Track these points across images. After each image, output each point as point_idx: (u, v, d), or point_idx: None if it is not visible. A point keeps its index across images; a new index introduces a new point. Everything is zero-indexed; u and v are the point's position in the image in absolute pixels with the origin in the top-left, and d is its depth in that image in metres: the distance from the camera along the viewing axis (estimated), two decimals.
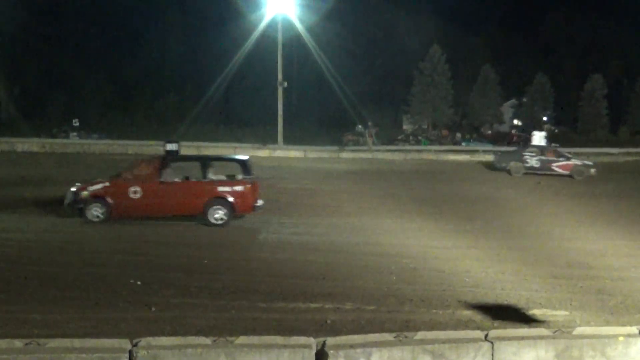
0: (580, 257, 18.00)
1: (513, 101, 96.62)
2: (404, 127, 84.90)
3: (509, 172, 38.99)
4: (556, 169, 38.85)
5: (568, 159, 39.62)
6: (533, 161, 39.39)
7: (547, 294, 14.09)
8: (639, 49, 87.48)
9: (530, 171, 38.81)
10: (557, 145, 45.73)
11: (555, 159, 39.47)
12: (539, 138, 45.40)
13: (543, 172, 38.58)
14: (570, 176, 38.08)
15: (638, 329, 9.24)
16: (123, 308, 12.26)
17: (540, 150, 40.87)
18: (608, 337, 9.00)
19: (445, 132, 75.84)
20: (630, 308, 13.13)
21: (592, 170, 38.78)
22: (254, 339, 7.92)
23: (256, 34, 55.65)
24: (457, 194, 30.72)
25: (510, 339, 8.79)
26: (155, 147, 36.64)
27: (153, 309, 12.20)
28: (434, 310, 12.55)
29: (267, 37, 55.74)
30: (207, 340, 7.70)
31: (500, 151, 45.69)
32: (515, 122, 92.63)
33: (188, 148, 38.60)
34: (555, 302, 13.33)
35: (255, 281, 14.45)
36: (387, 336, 8.77)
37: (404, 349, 8.32)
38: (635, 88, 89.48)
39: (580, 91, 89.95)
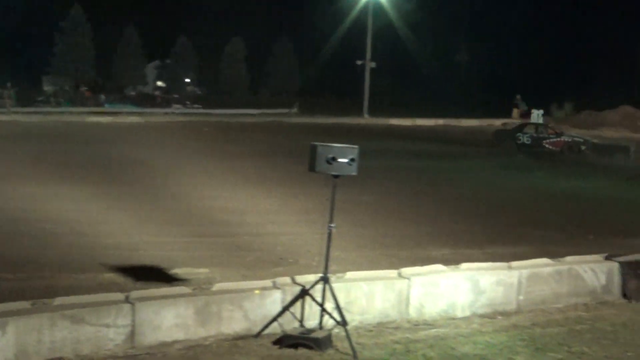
0: (223, 216, 18.52)
1: (157, 62, 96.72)
2: (45, 88, 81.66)
3: None
4: (547, 145, 40.16)
5: (559, 135, 40.98)
6: (525, 138, 40.96)
7: (189, 253, 14.33)
8: (276, 13, 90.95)
9: (523, 149, 40.25)
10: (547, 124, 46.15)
11: (546, 136, 40.86)
12: (536, 116, 46.25)
13: (536, 150, 39.91)
14: (561, 152, 39.80)
15: (272, 282, 9.73)
16: None
17: (536, 127, 42.19)
18: (245, 291, 9.39)
19: (87, 93, 74.00)
20: (266, 262, 13.76)
21: (583, 147, 40.32)
22: None
23: None
24: (103, 156, 30.24)
25: (150, 299, 8.86)
26: None
27: None
28: (75, 275, 12.24)
29: None
30: None
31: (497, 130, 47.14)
32: (159, 83, 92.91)
33: None
34: (196, 261, 13.59)
35: None
36: (25, 304, 8.45)
37: (42, 316, 8.08)
38: (274, 51, 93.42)
39: (221, 53, 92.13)
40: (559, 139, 40.97)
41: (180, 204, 20.03)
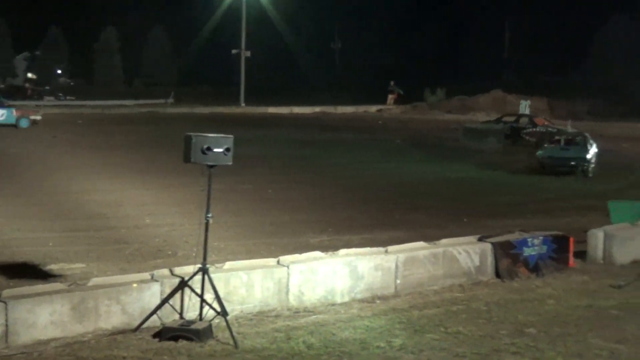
0: (99, 209, 18.16)
1: (26, 54, 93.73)
2: None
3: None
4: (525, 137, 39.64)
5: (535, 126, 40.78)
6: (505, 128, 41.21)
7: (65, 247, 14.00)
8: (149, 2, 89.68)
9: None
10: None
11: (524, 127, 40.94)
12: (523, 106, 45.23)
13: (515, 140, 39.72)
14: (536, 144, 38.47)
15: (150, 275, 9.61)
16: None
17: (517, 118, 42.59)
18: (123, 284, 9.25)
19: None
20: (145, 255, 13.60)
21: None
22: None
23: None
24: None
25: (24, 297, 8.62)
26: None
27: None
28: None
29: None
30: None
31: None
32: (30, 75, 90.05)
33: None
34: (73, 256, 13.30)
35: None
36: None
37: None
38: (148, 40, 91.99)
39: (94, 43, 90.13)
40: (535, 130, 41.18)
41: (54, 198, 19.53)
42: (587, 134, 31.85)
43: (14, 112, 40.00)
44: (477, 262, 12.21)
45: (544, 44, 77.95)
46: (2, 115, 39.42)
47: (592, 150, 29.95)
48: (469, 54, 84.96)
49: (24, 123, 39.67)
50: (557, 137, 32.43)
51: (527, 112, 46.56)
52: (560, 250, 13.25)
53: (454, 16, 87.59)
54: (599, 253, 13.95)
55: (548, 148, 30.62)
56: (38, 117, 40.64)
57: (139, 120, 46.47)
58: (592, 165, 29.02)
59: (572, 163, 28.51)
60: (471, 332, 9.62)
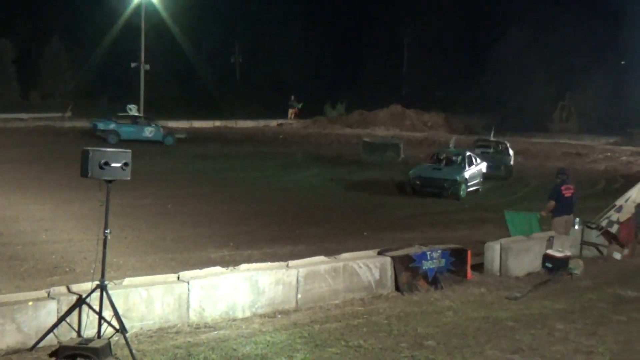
0: None
1: None
2: None
3: None
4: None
5: None
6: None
7: None
8: (45, 13, 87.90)
9: None
10: None
11: None
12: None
13: None
14: None
15: (47, 292, 9.39)
16: None
17: None
18: (18, 303, 9.00)
19: None
20: (41, 272, 13.28)
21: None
22: None
23: None
24: None
25: None
26: None
27: None
28: None
29: None
30: None
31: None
32: None
33: None
34: None
35: None
36: None
37: None
38: (43, 53, 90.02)
39: None
40: None
41: None
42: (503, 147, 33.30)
43: None
44: (377, 275, 12.35)
45: (441, 58, 79.44)
46: None
47: (471, 171, 28.50)
48: (368, 69, 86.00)
49: None
50: (435, 155, 30.73)
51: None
52: (458, 263, 13.53)
53: (353, 31, 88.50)
54: (496, 265, 14.33)
55: (419, 167, 29.13)
56: None
57: (35, 134, 45.30)
58: (465, 186, 27.55)
59: (441, 184, 26.98)
60: (372, 345, 9.72)
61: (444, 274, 13.22)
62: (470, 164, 28.92)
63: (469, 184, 28.00)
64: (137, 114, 45.28)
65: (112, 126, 40.91)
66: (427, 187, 27.03)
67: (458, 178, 27.19)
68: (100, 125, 41.14)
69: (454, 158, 29.26)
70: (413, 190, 27.26)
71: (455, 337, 10.28)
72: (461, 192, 27.17)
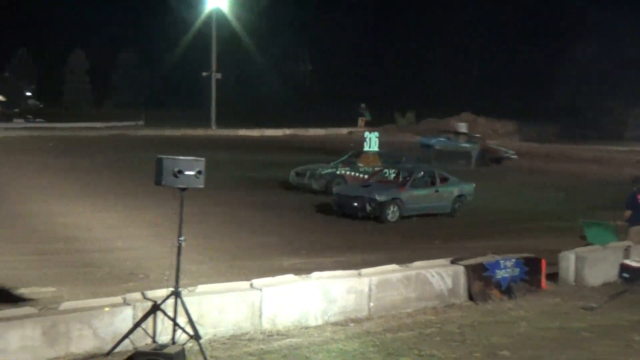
0: (68, 232, 18.01)
1: None
2: None
3: None
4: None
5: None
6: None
7: (35, 271, 13.86)
8: (118, 24, 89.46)
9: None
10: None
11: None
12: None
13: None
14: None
15: (122, 298, 9.51)
16: None
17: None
18: (94, 308, 9.14)
19: None
20: (116, 278, 13.49)
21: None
22: None
23: None
24: None
25: None
26: None
27: None
28: None
29: None
30: None
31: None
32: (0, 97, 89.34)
33: None
34: (43, 279, 13.17)
35: None
36: None
37: None
38: (115, 63, 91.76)
39: (63, 65, 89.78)
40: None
41: (25, 221, 19.34)
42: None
43: None
44: (450, 284, 12.22)
45: (512, 65, 78.72)
46: None
47: (422, 192, 23.25)
48: (438, 76, 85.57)
49: None
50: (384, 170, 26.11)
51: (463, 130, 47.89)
52: (532, 272, 13.31)
53: (423, 38, 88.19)
54: (571, 275, 14.03)
55: (346, 185, 25.46)
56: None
57: (110, 143, 46.21)
58: (397, 208, 22.30)
59: (355, 204, 22.19)
60: (445, 355, 9.62)
61: (517, 283, 13.02)
62: (425, 183, 23.91)
63: (411, 206, 22.76)
64: (466, 132, 46.18)
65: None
66: (344, 207, 22.69)
67: (378, 197, 22.10)
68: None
69: (406, 174, 24.21)
70: (334, 210, 23.10)
71: (529, 347, 10.11)
72: (388, 215, 22.17)
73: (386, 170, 26.16)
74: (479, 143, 42.12)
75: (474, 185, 24.83)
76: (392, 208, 22.34)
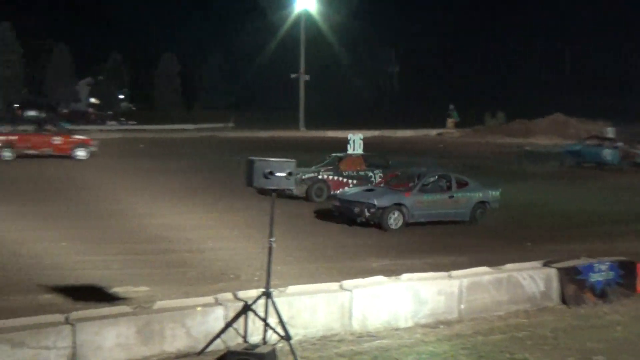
0: (160, 232, 18.31)
1: (89, 79, 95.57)
2: None
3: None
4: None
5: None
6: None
7: (128, 270, 14.15)
8: (206, 27, 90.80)
9: None
10: None
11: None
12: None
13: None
14: None
15: (214, 298, 9.65)
16: None
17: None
18: (187, 308, 9.30)
19: (19, 110, 72.81)
20: (208, 278, 13.66)
21: None
22: None
23: None
24: (31, 175, 29.71)
25: (91, 319, 8.72)
26: None
27: None
28: (14, 297, 12.00)
29: None
30: None
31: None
32: (93, 100, 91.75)
33: None
34: (136, 279, 13.42)
35: None
36: None
37: None
38: (207, 65, 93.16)
39: (154, 69, 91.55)
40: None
41: (117, 221, 19.73)
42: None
43: None
44: (542, 287, 12.02)
45: (604, 66, 77.05)
46: None
47: (431, 198, 21.03)
48: (529, 77, 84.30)
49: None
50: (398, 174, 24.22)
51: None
52: (627, 276, 12.98)
53: (514, 39, 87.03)
54: None
55: (351, 189, 22.99)
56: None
57: (200, 144, 46.95)
58: (400, 215, 20.17)
59: (356, 210, 20.19)
60: (538, 358, 9.48)
61: (612, 287, 12.73)
62: (440, 188, 21.76)
63: (418, 212, 20.72)
64: (613, 137, 44.75)
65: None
66: (344, 212, 20.91)
67: (377, 203, 20.15)
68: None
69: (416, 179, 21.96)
70: (334, 215, 21.43)
71: (625, 352, 9.88)
72: (390, 222, 20.16)
73: (371, 173, 25.56)
74: (620, 148, 40.59)
75: (500, 190, 23.21)
76: (394, 214, 20.34)
